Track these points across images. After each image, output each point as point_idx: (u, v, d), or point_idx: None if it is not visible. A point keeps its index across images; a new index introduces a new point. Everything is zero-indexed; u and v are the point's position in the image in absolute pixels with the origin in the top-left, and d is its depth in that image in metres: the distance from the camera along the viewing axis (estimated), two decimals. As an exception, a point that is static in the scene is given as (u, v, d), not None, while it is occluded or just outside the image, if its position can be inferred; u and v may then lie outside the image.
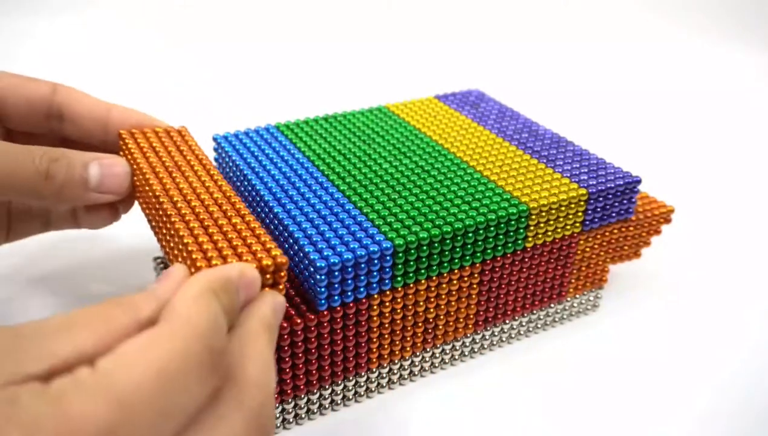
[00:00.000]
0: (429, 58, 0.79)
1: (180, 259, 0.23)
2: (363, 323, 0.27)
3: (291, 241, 0.26)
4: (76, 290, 0.36)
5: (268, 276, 0.22)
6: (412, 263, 0.27)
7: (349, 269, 0.25)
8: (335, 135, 0.34)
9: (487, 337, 0.33)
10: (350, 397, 0.29)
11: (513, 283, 0.31)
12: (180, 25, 0.83)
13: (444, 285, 0.28)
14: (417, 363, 0.31)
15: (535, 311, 0.34)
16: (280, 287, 0.23)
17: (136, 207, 0.45)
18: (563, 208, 0.30)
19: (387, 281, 0.26)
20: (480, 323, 0.31)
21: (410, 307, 0.28)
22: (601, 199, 0.31)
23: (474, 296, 0.30)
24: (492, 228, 0.28)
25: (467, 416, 0.29)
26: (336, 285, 0.25)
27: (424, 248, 0.26)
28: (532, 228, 0.29)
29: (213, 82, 0.69)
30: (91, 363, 0.15)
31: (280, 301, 0.21)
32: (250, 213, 0.25)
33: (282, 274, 0.23)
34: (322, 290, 0.25)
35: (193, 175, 0.27)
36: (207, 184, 0.26)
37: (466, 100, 0.40)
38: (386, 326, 0.28)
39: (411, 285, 0.27)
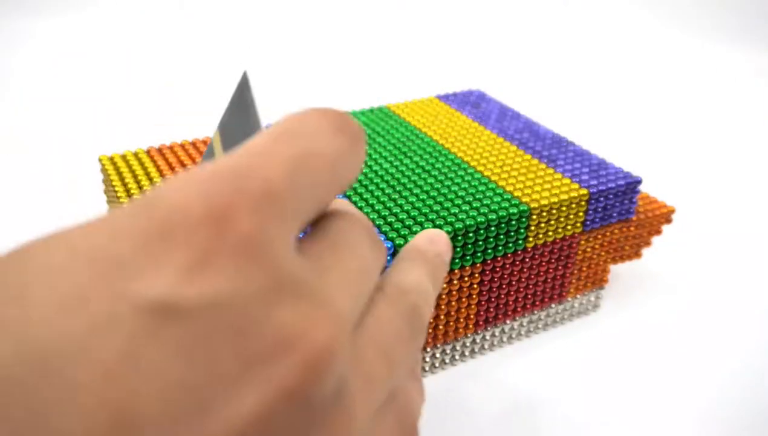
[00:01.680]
0: (430, 58, 0.79)
1: None
2: (363, 323, 0.27)
3: None
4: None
5: None
6: (412, 263, 0.26)
7: (350, 269, 0.25)
8: (336, 135, 0.34)
9: (487, 337, 0.32)
10: (350, 397, 0.29)
11: (514, 283, 0.31)
12: (180, 25, 0.83)
13: (444, 285, 0.28)
14: (417, 363, 0.31)
15: (535, 312, 0.34)
16: None
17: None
18: (564, 209, 0.30)
19: (387, 281, 0.26)
20: (480, 323, 0.31)
21: (411, 307, 0.28)
22: (601, 199, 0.31)
23: (474, 296, 0.30)
24: (492, 228, 0.28)
25: (467, 416, 0.29)
26: (336, 285, 0.25)
27: (425, 247, 0.26)
28: (532, 228, 0.29)
29: (213, 83, 0.69)
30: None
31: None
32: None
33: None
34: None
35: None
36: None
37: (467, 101, 0.40)
38: (386, 326, 0.28)
39: (411, 285, 0.27)
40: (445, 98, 0.40)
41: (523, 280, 0.31)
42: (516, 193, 0.29)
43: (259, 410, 0.10)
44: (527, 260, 0.31)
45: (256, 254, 0.11)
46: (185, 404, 0.10)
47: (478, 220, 0.27)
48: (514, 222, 0.28)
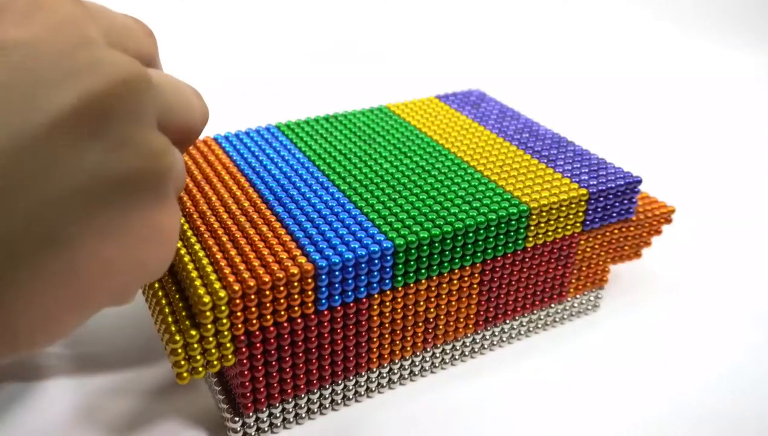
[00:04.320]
0: (429, 58, 0.79)
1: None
2: (363, 323, 0.27)
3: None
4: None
5: (295, 284, 0.24)
6: (412, 262, 0.26)
7: (350, 269, 0.25)
8: (336, 135, 0.34)
9: (487, 337, 0.33)
10: (350, 397, 0.29)
11: (513, 283, 0.31)
12: (179, 24, 0.83)
13: (444, 285, 0.28)
14: (417, 363, 0.31)
15: (535, 311, 0.34)
16: (308, 292, 0.24)
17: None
18: (564, 208, 0.30)
19: (387, 281, 0.26)
20: (480, 323, 0.31)
21: (410, 307, 0.28)
22: (601, 199, 0.31)
23: (474, 296, 0.30)
24: (492, 228, 0.28)
25: (467, 416, 0.29)
26: (336, 285, 0.25)
27: (425, 247, 0.26)
28: (532, 228, 0.29)
29: (213, 82, 0.69)
30: None
31: None
32: (277, 219, 0.27)
33: (309, 281, 0.24)
34: (323, 289, 0.25)
35: (221, 187, 0.29)
36: (235, 193, 0.28)
37: (466, 100, 0.40)
38: (386, 326, 0.28)
39: (411, 285, 0.27)
40: (445, 98, 0.40)
41: (522, 280, 0.31)
42: (516, 193, 0.29)
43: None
44: (527, 259, 0.31)
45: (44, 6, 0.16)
46: (9, 99, 0.14)
47: (478, 220, 0.27)
48: (513, 222, 0.28)
